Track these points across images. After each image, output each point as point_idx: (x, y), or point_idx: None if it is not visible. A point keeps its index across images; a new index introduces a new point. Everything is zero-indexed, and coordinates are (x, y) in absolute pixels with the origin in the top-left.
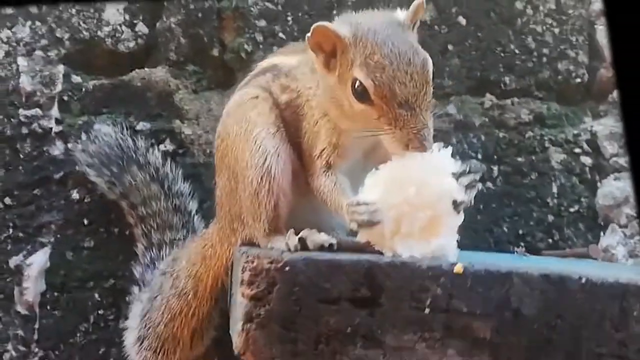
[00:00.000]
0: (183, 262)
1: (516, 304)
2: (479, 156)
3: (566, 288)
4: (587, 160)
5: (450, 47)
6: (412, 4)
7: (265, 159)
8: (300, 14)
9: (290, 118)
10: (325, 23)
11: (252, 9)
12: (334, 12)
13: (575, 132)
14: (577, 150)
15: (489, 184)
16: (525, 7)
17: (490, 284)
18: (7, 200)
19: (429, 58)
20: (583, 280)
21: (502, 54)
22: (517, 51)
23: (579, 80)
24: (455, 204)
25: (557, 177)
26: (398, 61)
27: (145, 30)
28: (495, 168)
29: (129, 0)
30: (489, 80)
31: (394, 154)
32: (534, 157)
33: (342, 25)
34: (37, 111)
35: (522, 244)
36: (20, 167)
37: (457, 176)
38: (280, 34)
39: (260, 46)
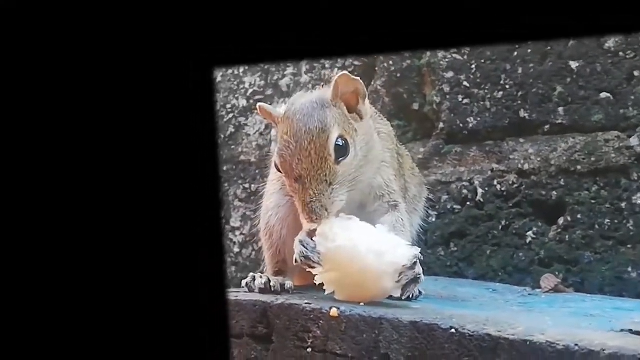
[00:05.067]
0: None
1: (385, 350)
2: None
3: (434, 337)
4: None
5: (636, 73)
6: None
7: (267, 213)
8: (482, 61)
9: None
10: (264, 105)
11: (441, 62)
12: (515, 54)
13: None
14: None
15: None
16: None
17: (362, 328)
18: None
19: (335, 133)
20: (452, 331)
21: None
22: None
23: None
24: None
25: None
26: (302, 140)
27: None
28: None
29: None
30: None
31: None
32: None
33: (284, 104)
34: None
35: None
36: None
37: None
38: (465, 83)
39: (447, 96)
